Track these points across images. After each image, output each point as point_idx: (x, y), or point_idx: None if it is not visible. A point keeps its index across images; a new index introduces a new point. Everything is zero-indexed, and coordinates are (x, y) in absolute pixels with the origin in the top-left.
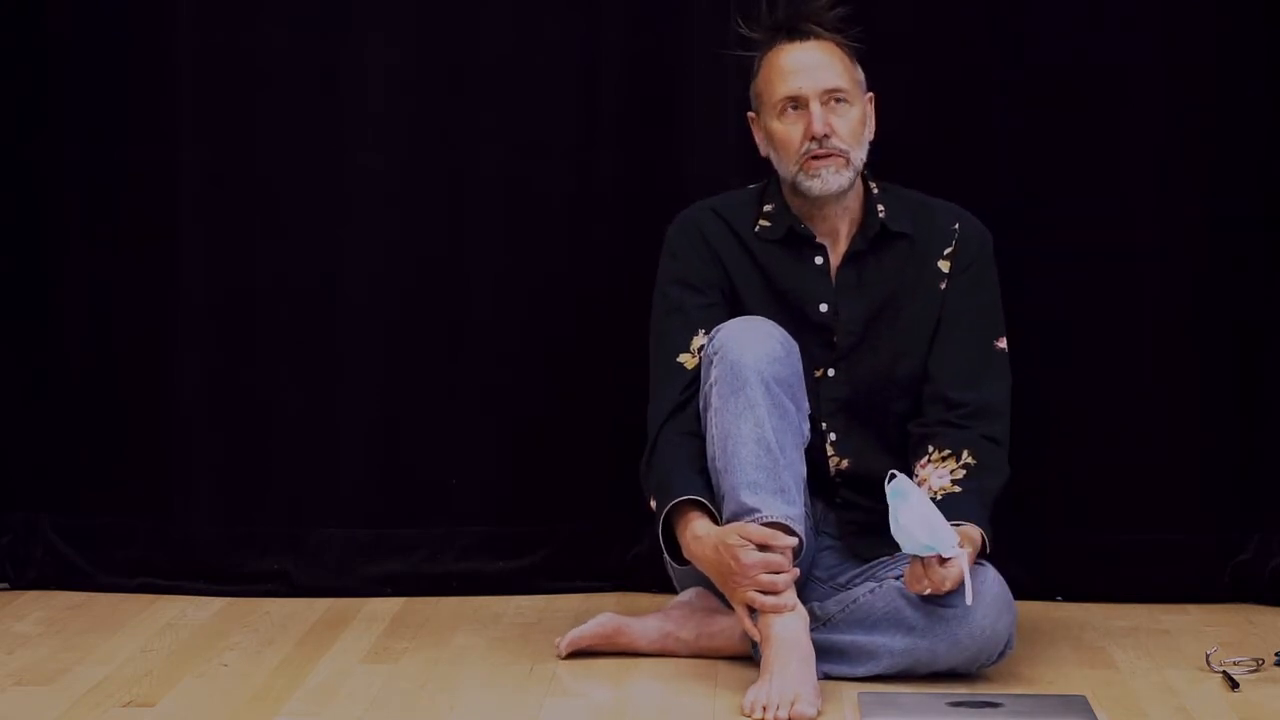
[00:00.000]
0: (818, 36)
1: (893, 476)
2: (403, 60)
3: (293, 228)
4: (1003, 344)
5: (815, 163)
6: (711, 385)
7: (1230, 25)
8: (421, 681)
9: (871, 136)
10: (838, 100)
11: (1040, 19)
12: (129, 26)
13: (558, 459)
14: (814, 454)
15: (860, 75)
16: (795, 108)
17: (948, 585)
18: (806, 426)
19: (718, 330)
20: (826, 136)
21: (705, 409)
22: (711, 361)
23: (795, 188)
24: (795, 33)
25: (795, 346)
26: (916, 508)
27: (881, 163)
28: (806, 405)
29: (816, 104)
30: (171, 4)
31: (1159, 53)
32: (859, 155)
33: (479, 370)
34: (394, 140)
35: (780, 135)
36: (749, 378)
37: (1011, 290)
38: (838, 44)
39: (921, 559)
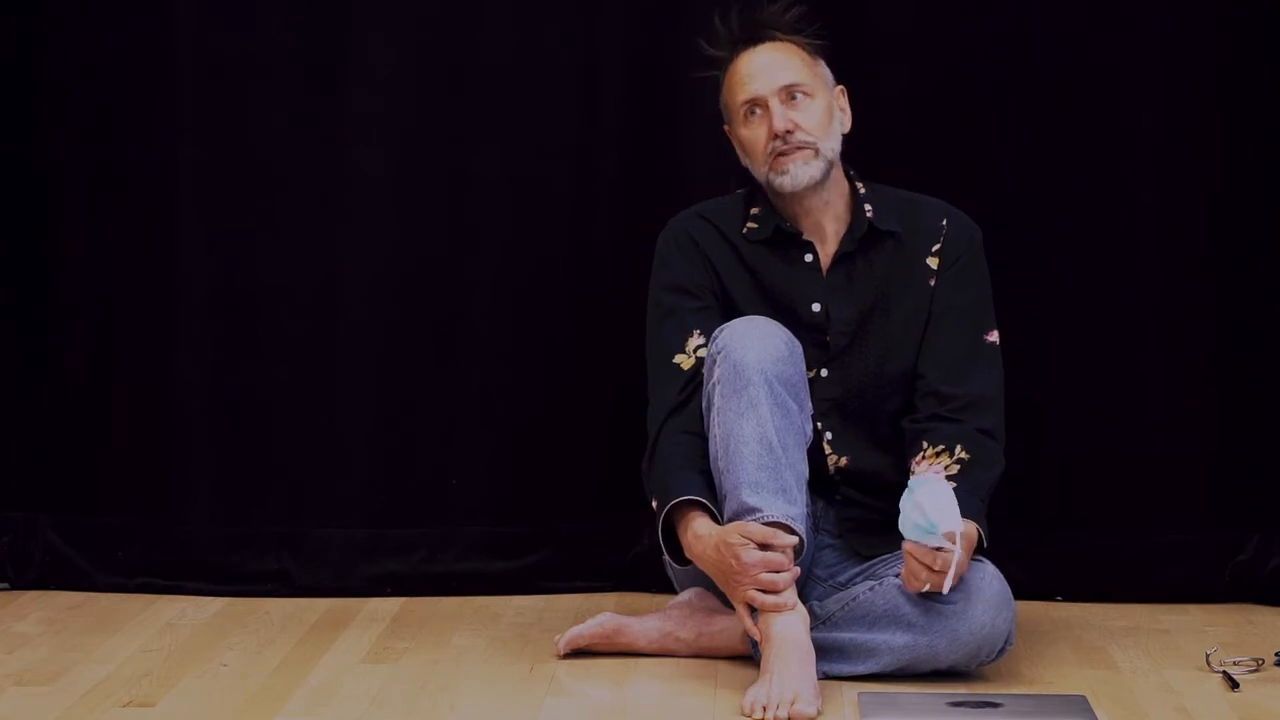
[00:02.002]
0: (773, 39)
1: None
2: (403, 60)
3: (293, 228)
4: (993, 337)
5: (782, 159)
6: (714, 385)
7: (1230, 25)
8: (421, 681)
9: (846, 129)
10: (798, 95)
11: (1040, 19)
12: (129, 26)
13: (557, 459)
14: (813, 453)
15: (823, 70)
16: (756, 111)
17: (940, 568)
18: (809, 426)
19: (720, 330)
20: (789, 132)
21: (708, 409)
22: (714, 361)
23: (770, 187)
24: (751, 40)
25: (798, 346)
26: (919, 498)
27: (882, 162)
28: (810, 405)
29: (775, 102)
30: (171, 4)
31: (1159, 53)
32: (829, 145)
33: (479, 370)
34: (394, 140)
35: (747, 139)
36: (752, 377)
37: (1011, 289)
38: (795, 44)
39: (914, 556)
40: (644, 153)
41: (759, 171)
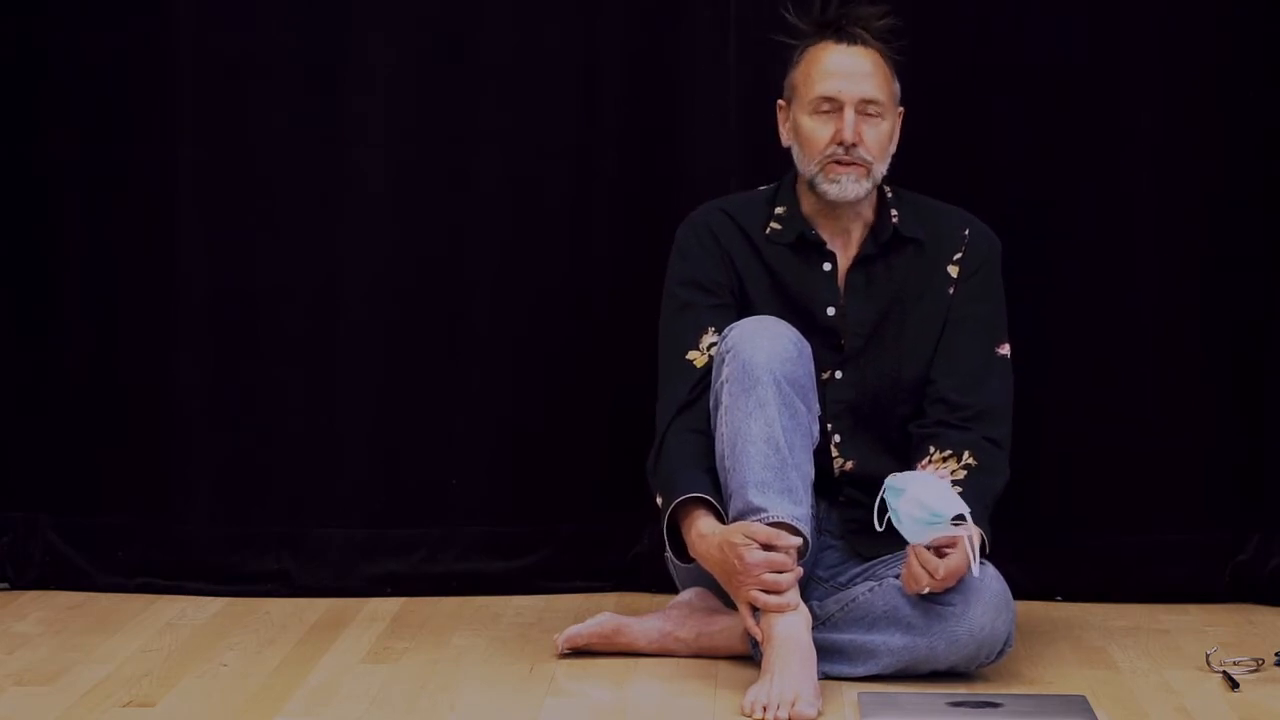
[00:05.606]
0: (864, 43)
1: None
2: (402, 60)
3: (293, 228)
4: (1005, 349)
5: (838, 168)
6: (723, 384)
7: (1230, 25)
8: (421, 681)
9: (894, 150)
10: (872, 112)
11: (1040, 19)
12: (129, 26)
13: (557, 459)
14: (819, 455)
15: (897, 89)
16: (829, 110)
17: (941, 573)
18: (816, 428)
19: (730, 329)
20: (854, 145)
21: (715, 407)
22: (723, 360)
23: (812, 187)
24: (843, 34)
25: (808, 347)
26: (914, 493)
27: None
28: (817, 407)
29: (851, 111)
30: (171, 4)
31: (1159, 53)
32: (880, 168)
33: (479, 370)
34: (394, 140)
35: (808, 131)
36: (761, 377)
37: (1011, 290)
38: (881, 54)
39: (917, 554)
40: (644, 153)
41: (807, 166)
